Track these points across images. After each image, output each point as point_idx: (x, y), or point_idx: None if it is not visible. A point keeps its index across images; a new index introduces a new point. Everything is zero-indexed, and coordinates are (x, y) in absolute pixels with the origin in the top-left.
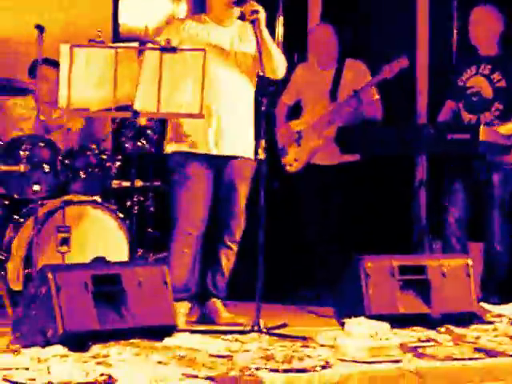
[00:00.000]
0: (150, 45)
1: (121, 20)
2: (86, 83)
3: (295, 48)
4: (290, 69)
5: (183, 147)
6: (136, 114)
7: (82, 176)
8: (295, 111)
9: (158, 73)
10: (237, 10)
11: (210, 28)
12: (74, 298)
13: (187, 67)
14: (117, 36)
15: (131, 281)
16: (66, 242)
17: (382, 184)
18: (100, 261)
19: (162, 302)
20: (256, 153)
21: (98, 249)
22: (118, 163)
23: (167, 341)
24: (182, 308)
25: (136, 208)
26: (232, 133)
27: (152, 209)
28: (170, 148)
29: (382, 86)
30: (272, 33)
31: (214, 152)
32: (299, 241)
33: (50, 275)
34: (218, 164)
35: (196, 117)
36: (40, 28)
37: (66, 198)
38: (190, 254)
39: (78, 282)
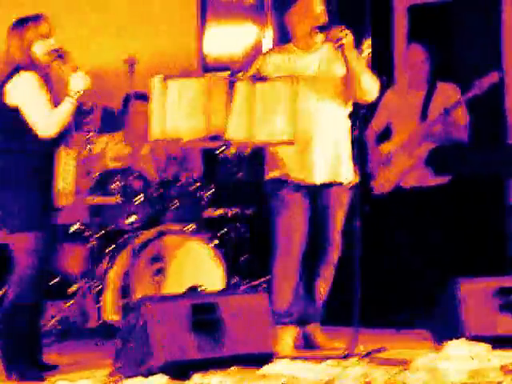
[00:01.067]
0: (240, 75)
1: (207, 49)
2: (179, 114)
3: (383, 70)
4: (380, 92)
5: (278, 174)
6: (228, 143)
7: (176, 205)
8: (385, 134)
9: (250, 102)
10: (321, 36)
11: (296, 56)
12: (172, 328)
13: (278, 95)
14: (204, 65)
15: (228, 309)
16: (161, 271)
17: (471, 205)
18: (195, 290)
19: (260, 330)
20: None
21: (193, 277)
22: (210, 191)
23: (268, 368)
24: (289, 334)
25: (230, 236)
26: (328, 160)
27: (246, 236)
28: (266, 175)
29: (469, 106)
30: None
31: (312, 181)
32: (392, 264)
33: (148, 306)
34: (315, 190)
35: (287, 144)
36: (131, 61)
37: (161, 227)
38: (292, 278)
39: (176, 311)
